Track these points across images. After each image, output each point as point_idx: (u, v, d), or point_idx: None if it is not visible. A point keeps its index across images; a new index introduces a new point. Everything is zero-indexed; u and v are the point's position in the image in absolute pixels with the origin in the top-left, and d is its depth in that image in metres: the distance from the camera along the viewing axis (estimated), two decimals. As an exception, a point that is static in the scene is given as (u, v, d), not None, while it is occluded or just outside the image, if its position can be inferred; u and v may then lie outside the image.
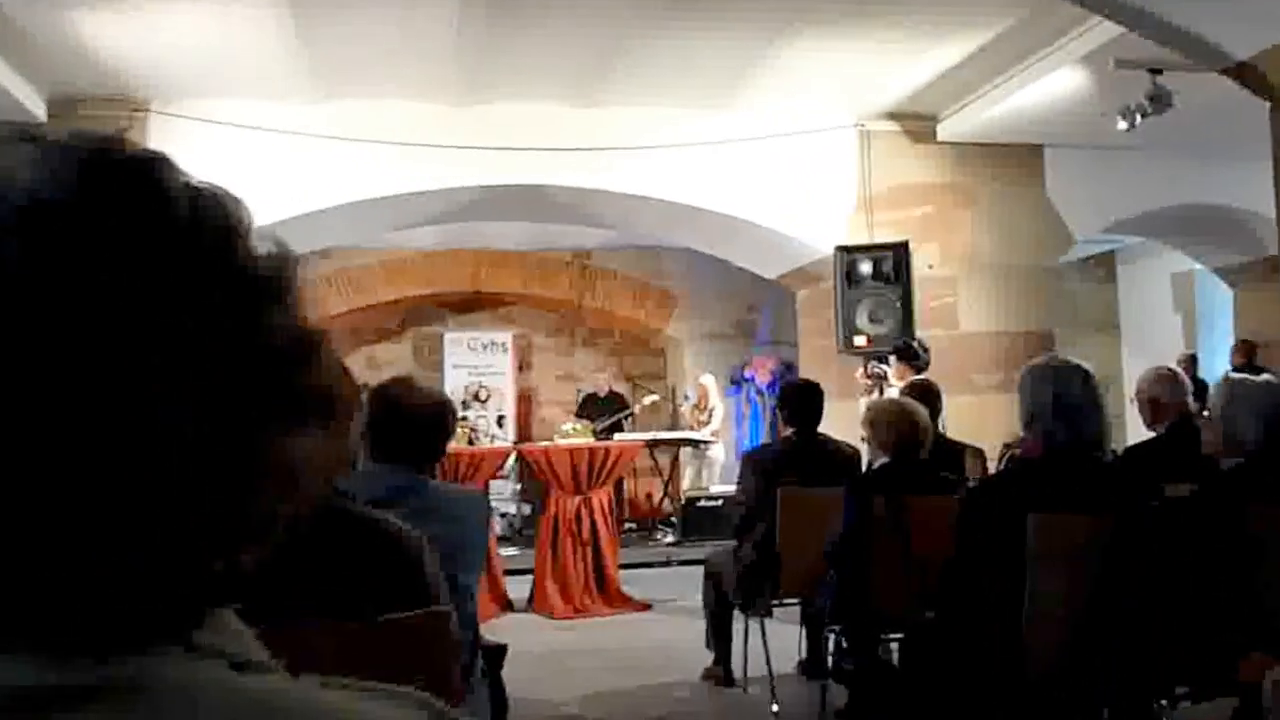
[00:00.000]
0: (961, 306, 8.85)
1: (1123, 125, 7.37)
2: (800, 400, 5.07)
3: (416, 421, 2.54)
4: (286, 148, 7.98)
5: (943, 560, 2.96)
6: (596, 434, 9.50)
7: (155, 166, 0.55)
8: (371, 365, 12.24)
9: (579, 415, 10.79)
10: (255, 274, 0.55)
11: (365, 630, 1.60)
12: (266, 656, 0.58)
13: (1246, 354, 9.55)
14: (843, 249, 8.22)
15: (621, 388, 12.33)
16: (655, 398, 11.52)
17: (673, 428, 11.78)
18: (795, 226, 8.81)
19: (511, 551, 9.29)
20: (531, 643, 6.12)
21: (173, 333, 0.51)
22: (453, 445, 8.00)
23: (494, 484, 9.30)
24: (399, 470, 2.51)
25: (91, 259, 0.50)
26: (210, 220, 0.55)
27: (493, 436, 11.26)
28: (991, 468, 5.16)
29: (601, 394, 11.52)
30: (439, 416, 2.62)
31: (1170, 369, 4.32)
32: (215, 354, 0.52)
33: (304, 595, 1.64)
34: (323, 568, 1.68)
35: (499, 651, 2.83)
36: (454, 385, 11.91)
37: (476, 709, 2.52)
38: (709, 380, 11.08)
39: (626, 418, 11.16)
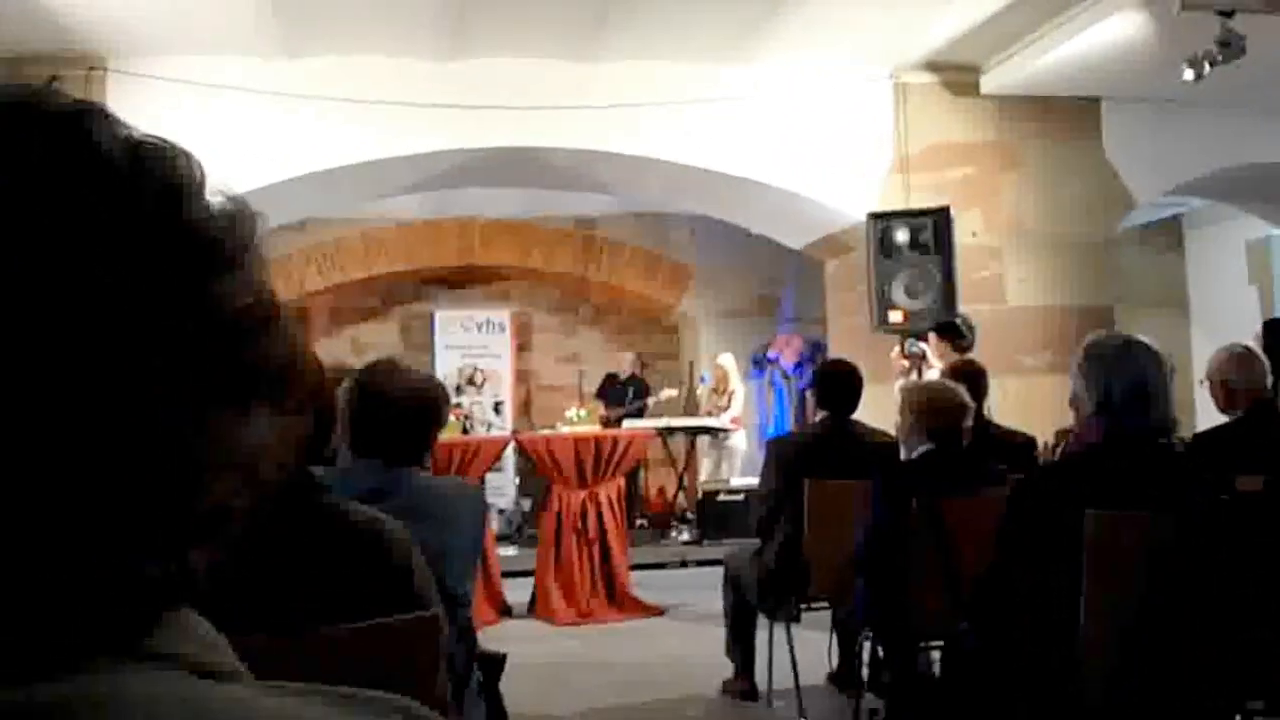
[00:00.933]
0: (1008, 279, 8.82)
1: (1189, 75, 7.31)
2: (836, 382, 5.06)
3: (402, 410, 2.54)
4: (255, 109, 7.97)
5: (987, 562, 2.95)
6: (609, 422, 9.51)
7: (87, 119, 0.54)
8: (355, 348, 12.27)
9: (597, 397, 10.82)
10: (204, 236, 0.54)
11: (341, 637, 1.60)
12: (236, 663, 0.57)
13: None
14: (876, 215, 8.18)
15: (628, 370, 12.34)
16: (674, 392, 11.54)
17: (686, 413, 11.78)
18: (822, 191, 8.77)
19: (510, 552, 9.31)
20: (532, 652, 6.14)
21: (106, 302, 0.50)
22: (444, 435, 8.04)
23: (490, 477, 9.33)
24: (382, 464, 2.51)
25: (10, 221, 0.49)
26: (152, 177, 0.54)
27: (489, 425, 11.31)
28: (1042, 458, 5.14)
29: (623, 376, 11.54)
30: (428, 403, 2.61)
31: (1245, 348, 4.29)
32: (155, 325, 0.51)
33: (275, 599, 1.64)
34: (297, 569, 1.68)
35: (497, 662, 2.83)
36: (446, 369, 11.93)
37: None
38: (728, 361, 11.07)
39: (641, 411, 11.17)
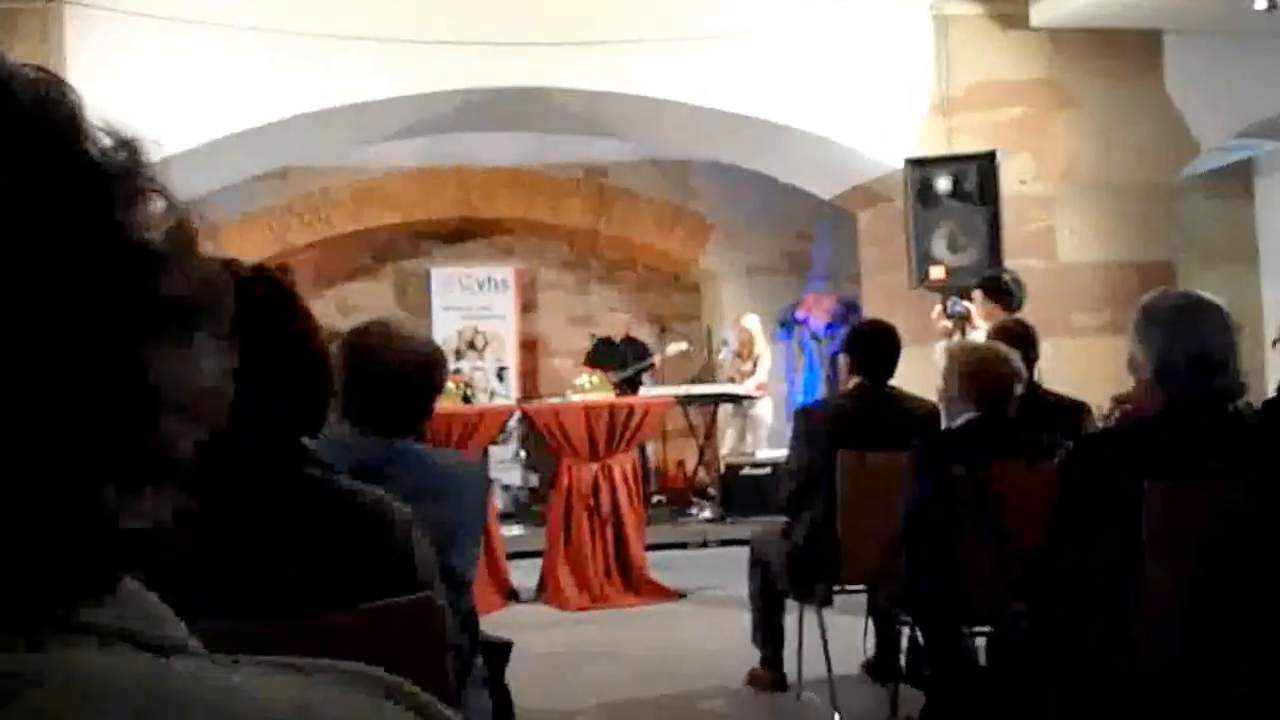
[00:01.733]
0: (1061, 231, 8.78)
1: (1261, 4, 7.23)
2: (871, 344, 5.05)
3: (397, 376, 2.54)
4: (230, 45, 7.91)
5: (1039, 539, 2.95)
6: (620, 390, 9.52)
7: None
8: (343, 310, 12.27)
9: (589, 364, 10.82)
10: (106, 166, 0.56)
11: (337, 622, 1.61)
12: (188, 637, 0.58)
13: None
14: (915, 162, 8.15)
15: (644, 333, 12.33)
16: (683, 346, 11.51)
17: (709, 380, 11.78)
18: (856, 135, 8.73)
19: (516, 531, 9.36)
20: (540, 641, 6.17)
21: (15, 236, 0.52)
22: (443, 404, 8.06)
23: (494, 450, 9.37)
24: (375, 436, 2.51)
25: None
26: (50, 106, 0.55)
27: (492, 393, 11.34)
28: (1096, 427, 5.13)
29: (617, 339, 11.52)
30: (425, 368, 2.61)
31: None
32: (67, 257, 0.53)
33: (265, 582, 1.65)
34: (288, 549, 1.69)
35: (502, 650, 2.85)
36: (444, 332, 11.94)
37: (476, 717, 2.54)
38: (753, 322, 11.06)
39: (646, 370, 11.17)
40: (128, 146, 0.58)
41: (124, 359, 0.55)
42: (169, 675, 0.54)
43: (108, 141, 0.57)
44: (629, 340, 11.51)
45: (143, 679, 0.53)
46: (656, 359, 11.28)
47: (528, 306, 13.04)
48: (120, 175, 0.57)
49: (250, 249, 11.05)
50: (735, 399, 10.72)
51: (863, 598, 5.01)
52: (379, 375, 2.53)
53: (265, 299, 1.74)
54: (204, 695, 0.54)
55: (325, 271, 12.65)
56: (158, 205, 0.58)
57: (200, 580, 1.62)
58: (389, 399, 2.55)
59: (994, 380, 4.05)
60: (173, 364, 0.57)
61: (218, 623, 1.50)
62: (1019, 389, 4.10)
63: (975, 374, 4.07)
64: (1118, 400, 5.81)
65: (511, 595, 7.50)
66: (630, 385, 10.42)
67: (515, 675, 2.91)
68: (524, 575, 7.67)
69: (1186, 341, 2.79)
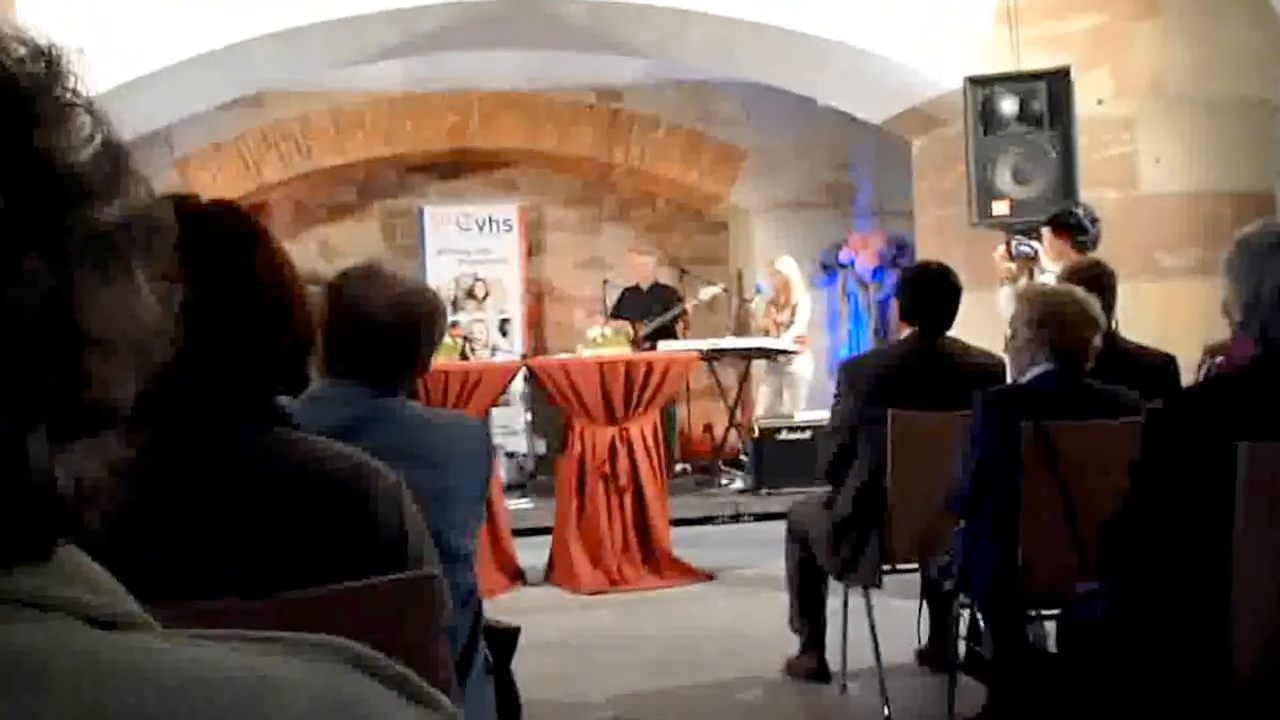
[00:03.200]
0: (1143, 157, 8.70)
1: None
2: (926, 289, 5.04)
3: (384, 324, 2.54)
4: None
5: (1117, 508, 2.94)
6: (637, 342, 9.52)
7: None
8: (325, 253, 12.30)
9: (615, 316, 10.81)
10: (21, 79, 0.56)
11: (318, 601, 1.62)
12: (137, 609, 0.59)
13: None
14: (975, 80, 8.08)
15: (662, 277, 12.31)
16: (717, 289, 11.50)
17: (739, 332, 11.77)
18: (908, 49, 8.67)
19: (522, 504, 9.39)
20: (551, 626, 6.21)
21: None
22: (439, 360, 8.07)
23: (497, 412, 9.39)
24: (363, 391, 2.51)
25: None
26: None
27: (494, 348, 11.36)
28: (1186, 381, 5.11)
29: (645, 286, 11.50)
30: (417, 316, 2.61)
31: None
32: None
33: (226, 558, 1.66)
34: (258, 523, 1.69)
35: (508, 637, 2.86)
36: (439, 279, 11.94)
37: (478, 710, 2.55)
38: (789, 266, 11.03)
39: (678, 319, 11.15)
40: (45, 57, 0.57)
41: (45, 294, 0.55)
42: (117, 650, 0.54)
43: (21, 51, 0.57)
44: (657, 287, 11.49)
45: (87, 654, 0.53)
46: (690, 305, 11.26)
47: (533, 249, 13.04)
48: (37, 90, 0.56)
49: (222, 185, 11.09)
50: (770, 353, 10.71)
51: (915, 577, 5.02)
52: (364, 324, 2.53)
53: (229, 237, 1.73)
54: (157, 671, 0.54)
55: (304, 211, 12.68)
56: (82, 123, 0.58)
57: (154, 554, 1.63)
58: (376, 351, 2.55)
59: (1073, 331, 4.03)
60: (102, 301, 0.57)
61: (176, 603, 1.51)
62: (1097, 340, 4.08)
63: (1048, 321, 4.04)
64: (1210, 350, 5.78)
65: (518, 576, 7.54)
66: (660, 338, 10.41)
67: (522, 665, 2.93)
68: (531, 554, 7.70)
69: (1278, 279, 2.77)
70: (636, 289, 11.42)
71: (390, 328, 2.56)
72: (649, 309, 10.91)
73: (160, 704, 0.53)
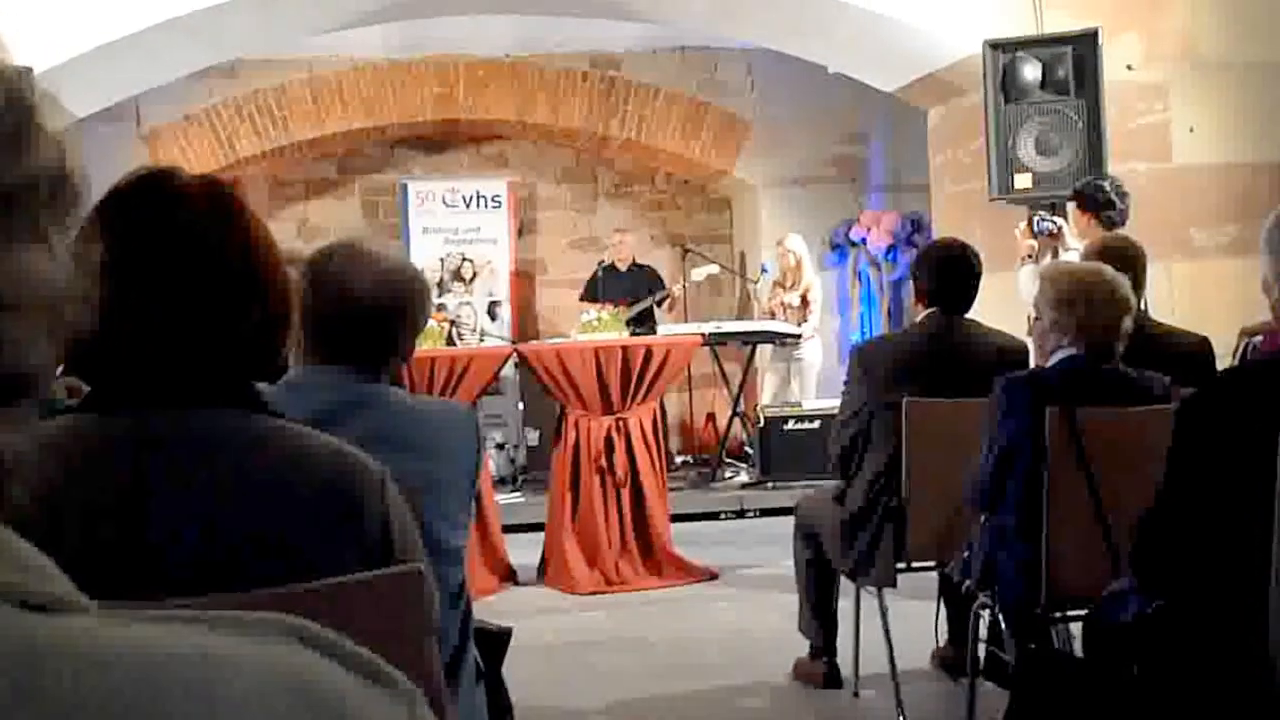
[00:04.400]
0: (1177, 127, 8.69)
1: None
2: (944, 268, 5.03)
3: (364, 305, 2.53)
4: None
5: (1150, 501, 2.94)
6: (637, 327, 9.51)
7: None
8: (304, 232, 12.29)
9: (586, 297, 10.82)
10: None
11: (298, 598, 1.62)
12: (74, 592, 0.59)
13: None
14: (996, 44, 8.07)
15: (662, 258, 12.30)
16: (714, 268, 11.49)
17: (742, 315, 11.77)
18: (923, 12, 8.65)
19: (514, 499, 9.41)
20: (545, 628, 6.22)
21: None
22: (424, 346, 8.06)
23: (486, 401, 9.38)
24: (345, 376, 2.51)
25: None
26: None
27: (482, 332, 11.36)
28: (1222, 365, 5.11)
29: (624, 266, 11.49)
30: (405, 295, 2.60)
31: None
32: None
33: (212, 554, 1.66)
34: (240, 514, 1.69)
35: (500, 639, 2.86)
36: (423, 259, 11.94)
37: (468, 716, 2.55)
38: (797, 244, 11.04)
39: (660, 303, 11.16)
40: None
41: None
42: (54, 632, 0.55)
43: None
44: (636, 268, 11.49)
45: (21, 639, 0.53)
46: (676, 288, 11.25)
47: (524, 228, 13.03)
48: None
49: (192, 160, 11.08)
50: (778, 338, 10.70)
51: (932, 576, 5.02)
52: (348, 305, 2.52)
53: (202, 212, 1.73)
54: (97, 651, 0.54)
55: (281, 186, 12.67)
56: None
57: (122, 548, 1.63)
58: (360, 334, 2.54)
59: (1102, 312, 4.02)
60: (8, 261, 0.58)
61: (145, 599, 1.51)
62: (1128, 322, 4.07)
63: (1075, 302, 4.03)
64: (1247, 332, 5.79)
65: (509, 576, 7.54)
66: (640, 324, 10.41)
67: (514, 669, 2.92)
68: (523, 552, 7.71)
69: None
70: (614, 270, 11.42)
71: (375, 308, 2.55)
72: (629, 292, 10.91)
73: (102, 685, 0.53)
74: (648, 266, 11.69)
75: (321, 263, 2.59)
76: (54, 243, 0.60)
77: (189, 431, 1.71)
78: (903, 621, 5.01)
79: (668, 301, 11.44)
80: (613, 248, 11.65)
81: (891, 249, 11.99)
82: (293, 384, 2.39)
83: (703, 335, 9.45)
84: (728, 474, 10.64)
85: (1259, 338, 5.40)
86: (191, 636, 0.58)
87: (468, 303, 12.16)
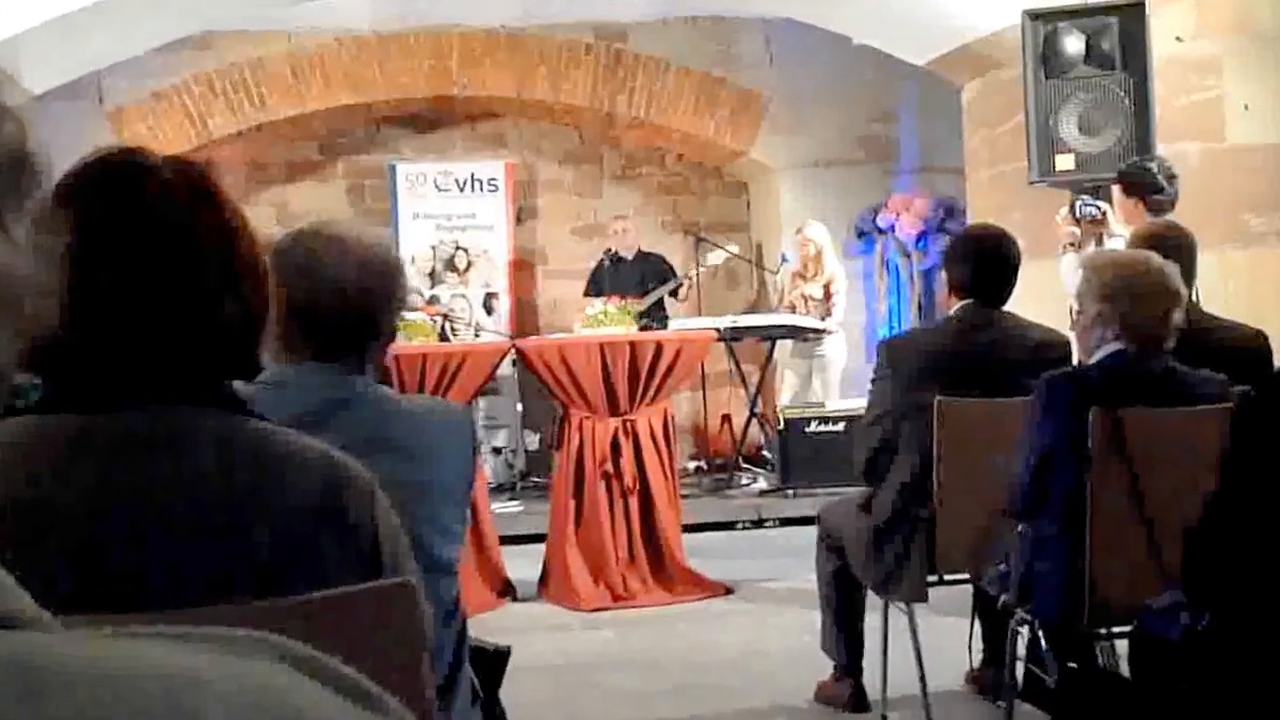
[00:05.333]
0: (1231, 105, 8.69)
1: None
2: (980, 256, 5.03)
3: (352, 290, 2.51)
4: None
5: (1203, 509, 2.94)
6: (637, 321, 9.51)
7: None
8: (283, 218, 12.28)
9: (590, 292, 10.82)
10: None
11: (281, 613, 1.62)
12: (28, 603, 0.59)
13: None
14: (1035, 15, 8.07)
15: (672, 246, 12.29)
16: (725, 254, 11.47)
17: (760, 308, 11.76)
18: (958, -21, 8.66)
19: (512, 508, 9.41)
20: (546, 647, 6.22)
21: None
22: (415, 341, 8.06)
23: (481, 402, 9.40)
24: (328, 373, 2.50)
25: None
26: None
27: (477, 327, 11.35)
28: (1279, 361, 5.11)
29: (629, 255, 11.49)
30: (386, 276, 2.58)
31: None
32: None
33: (187, 567, 1.66)
34: (215, 523, 1.69)
35: (497, 659, 2.87)
36: (414, 247, 11.96)
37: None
38: (819, 232, 11.03)
39: (673, 294, 11.15)
40: None
41: None
42: (12, 649, 0.55)
43: None
44: (643, 256, 11.49)
45: None
46: (688, 278, 11.24)
47: (523, 214, 13.03)
48: None
49: (161, 140, 11.08)
50: (799, 333, 10.70)
51: (966, 590, 5.02)
52: (326, 293, 2.50)
53: (172, 196, 1.73)
54: (59, 669, 0.54)
55: (259, 169, 12.66)
56: None
57: (84, 560, 1.64)
58: (341, 324, 2.52)
59: (1146, 302, 4.02)
60: None
61: (111, 616, 1.51)
62: (1178, 314, 4.07)
63: (1120, 294, 4.03)
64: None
65: (507, 591, 7.54)
66: (650, 318, 10.40)
67: (513, 691, 2.93)
68: (522, 565, 7.71)
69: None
70: (618, 259, 11.41)
71: (357, 295, 2.53)
72: (638, 284, 10.90)
73: (62, 708, 0.53)
74: (656, 254, 11.68)
75: (287, 250, 2.57)
76: (13, 230, 0.60)
77: (161, 433, 1.71)
78: (934, 639, 5.02)
79: (681, 292, 11.43)
80: (615, 236, 11.64)
81: (922, 236, 11.97)
82: (271, 382, 2.38)
83: (717, 330, 9.46)
84: (744, 480, 10.64)
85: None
86: (163, 654, 0.58)
87: (462, 295, 12.15)
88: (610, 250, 11.63)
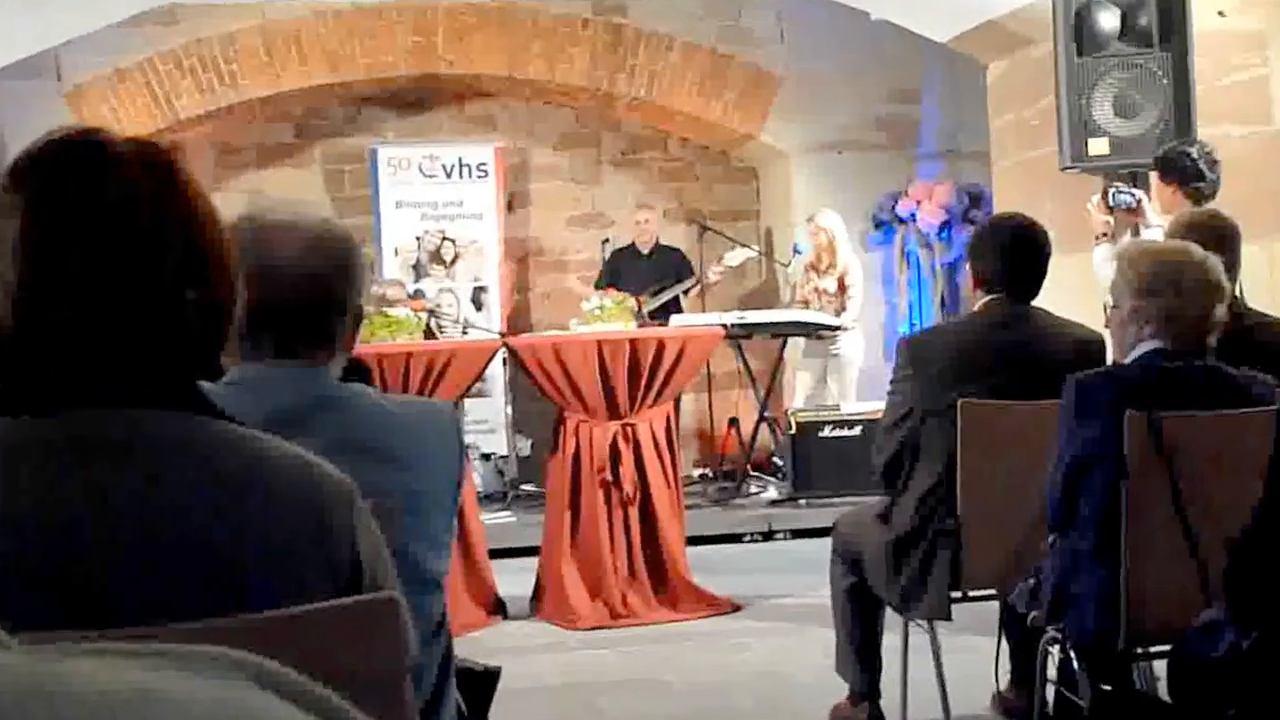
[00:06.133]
0: (1277, 83, 8.70)
1: None
2: (1008, 247, 5.03)
3: (306, 276, 2.49)
4: None
5: (1248, 519, 2.94)
6: (643, 317, 9.51)
7: None
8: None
9: (602, 285, 10.82)
10: None
11: (255, 630, 1.62)
12: None
13: None
14: (1068, -13, 8.08)
15: (679, 236, 12.28)
16: (750, 253, 11.48)
17: (770, 303, 11.76)
18: (984, -51, 8.67)
19: (502, 518, 9.41)
20: (540, 668, 6.23)
21: None
22: (399, 339, 8.07)
23: (470, 404, 9.40)
24: (292, 369, 2.48)
25: None
26: None
27: (465, 324, 11.35)
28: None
29: (646, 248, 11.49)
30: (343, 257, 2.56)
31: None
32: None
33: (158, 578, 1.66)
34: (189, 533, 1.69)
35: (486, 680, 2.86)
36: (398, 238, 11.96)
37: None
38: (833, 221, 11.03)
39: (690, 291, 11.15)
40: None
41: None
42: None
43: None
44: (660, 249, 11.49)
45: None
46: (712, 275, 11.25)
47: (515, 202, 13.04)
48: None
49: (124, 122, 11.08)
50: (813, 330, 10.69)
51: (993, 607, 5.02)
52: (280, 282, 2.45)
53: (135, 181, 1.72)
54: (17, 690, 0.55)
55: (230, 153, 12.67)
56: None
57: (46, 573, 1.63)
58: (301, 315, 2.49)
59: (1187, 297, 4.02)
60: None
61: (76, 633, 1.51)
62: (1221, 310, 4.07)
63: (1160, 288, 4.03)
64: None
65: (497, 608, 7.55)
66: (666, 314, 10.41)
67: (506, 714, 2.93)
68: (514, 580, 7.72)
69: None
70: (635, 252, 11.41)
71: (312, 281, 2.50)
72: (654, 280, 10.90)
73: None
74: (675, 249, 11.68)
75: (238, 236, 2.55)
76: None
77: (119, 438, 1.70)
78: (958, 660, 5.02)
79: (697, 290, 11.43)
80: (638, 227, 11.63)
81: (945, 226, 11.98)
82: (242, 382, 2.38)
83: (725, 327, 9.47)
84: (754, 489, 10.65)
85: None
86: (131, 674, 0.58)
87: (449, 289, 12.17)
88: (617, 241, 11.63)
